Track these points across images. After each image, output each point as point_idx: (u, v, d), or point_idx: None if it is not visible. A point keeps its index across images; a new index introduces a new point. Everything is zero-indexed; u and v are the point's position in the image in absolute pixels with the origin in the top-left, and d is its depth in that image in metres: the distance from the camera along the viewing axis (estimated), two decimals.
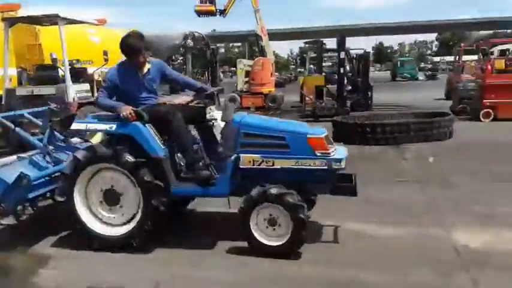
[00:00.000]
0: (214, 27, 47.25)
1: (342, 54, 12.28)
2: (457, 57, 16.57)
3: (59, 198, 3.64)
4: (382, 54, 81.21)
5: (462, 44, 19.19)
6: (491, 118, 10.93)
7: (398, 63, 40.77)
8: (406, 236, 3.74)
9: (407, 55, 73.20)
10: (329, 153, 3.43)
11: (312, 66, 19.93)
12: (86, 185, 3.59)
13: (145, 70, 3.70)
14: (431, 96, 17.05)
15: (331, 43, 18.79)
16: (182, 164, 3.71)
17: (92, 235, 3.55)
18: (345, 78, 12.75)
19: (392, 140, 8.04)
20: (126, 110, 3.46)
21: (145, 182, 3.39)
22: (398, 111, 12.22)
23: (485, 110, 11.05)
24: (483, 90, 11.31)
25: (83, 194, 3.59)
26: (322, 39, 19.82)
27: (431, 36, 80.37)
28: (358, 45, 75.62)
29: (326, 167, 3.41)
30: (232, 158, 3.44)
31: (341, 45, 12.40)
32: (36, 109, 4.97)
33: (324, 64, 18.93)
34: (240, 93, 16.83)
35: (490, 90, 11.08)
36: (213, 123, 3.88)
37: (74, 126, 3.77)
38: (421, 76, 38.70)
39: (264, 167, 3.44)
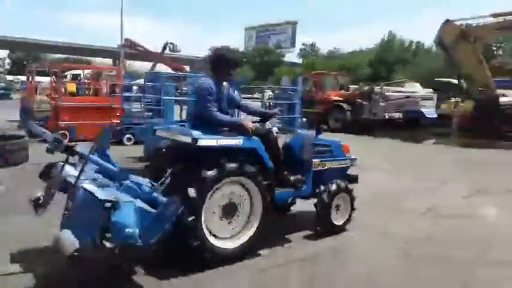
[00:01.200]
0: None
1: None
2: (30, 77, 16.00)
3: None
4: None
5: (34, 65, 18.74)
6: (67, 139, 11.23)
7: None
8: None
9: None
10: (350, 155, 4.78)
11: None
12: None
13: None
14: (3, 118, 15.59)
15: None
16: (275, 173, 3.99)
17: (216, 254, 3.50)
18: None
19: None
20: (251, 124, 3.79)
21: (264, 187, 3.73)
22: None
23: (61, 132, 11.24)
24: (58, 111, 11.49)
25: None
26: None
27: (3, 53, 74.69)
28: None
29: (349, 165, 4.79)
30: (314, 163, 4.37)
31: None
32: None
33: None
34: None
35: (65, 112, 11.41)
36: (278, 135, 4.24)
37: (203, 142, 3.43)
38: None
39: (320, 168, 4.44)
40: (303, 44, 63.39)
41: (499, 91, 14.39)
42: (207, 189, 3.42)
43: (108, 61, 53.10)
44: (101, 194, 2.88)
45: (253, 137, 3.73)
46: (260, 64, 56.99)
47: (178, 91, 10.96)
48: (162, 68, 22.17)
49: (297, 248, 4.14)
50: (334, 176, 4.53)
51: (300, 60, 59.90)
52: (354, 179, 4.84)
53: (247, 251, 3.71)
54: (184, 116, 9.83)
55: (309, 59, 55.95)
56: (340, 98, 17.11)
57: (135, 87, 13.39)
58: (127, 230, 2.70)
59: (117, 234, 2.71)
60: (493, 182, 7.40)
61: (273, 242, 4.12)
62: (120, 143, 11.11)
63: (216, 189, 3.52)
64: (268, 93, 21.96)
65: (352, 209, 4.59)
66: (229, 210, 3.66)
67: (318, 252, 4.05)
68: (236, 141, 3.61)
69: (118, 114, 11.72)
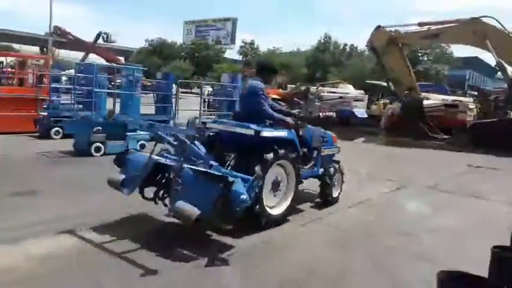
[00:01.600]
0: None
1: None
2: None
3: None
4: None
5: None
6: None
7: None
8: None
9: None
10: (337, 144, 5.97)
11: None
12: None
13: None
14: None
15: None
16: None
17: (270, 219, 4.47)
18: None
19: None
20: (291, 121, 4.92)
21: (298, 170, 4.83)
22: None
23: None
24: None
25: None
26: None
27: None
28: None
29: (337, 151, 5.95)
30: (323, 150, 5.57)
31: None
32: None
33: None
34: None
35: None
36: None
37: (265, 133, 4.36)
38: None
39: (321, 154, 5.52)
40: (243, 42, 63.36)
41: (423, 94, 15.50)
42: (272, 162, 4.41)
43: (35, 49, 49.54)
44: (217, 172, 3.76)
45: (292, 130, 4.81)
46: (199, 59, 56.31)
47: (112, 83, 10.51)
48: (95, 57, 21.13)
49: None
50: (329, 161, 5.73)
51: (240, 57, 60.00)
52: (337, 163, 5.96)
53: (284, 217, 4.73)
54: (118, 109, 9.44)
55: (249, 56, 56.23)
56: (278, 97, 17.41)
57: (64, 78, 12.59)
58: (242, 196, 3.55)
59: (236, 200, 3.54)
60: (416, 178, 7.95)
61: None
62: (47, 136, 10.41)
63: (271, 168, 4.45)
64: (208, 89, 21.73)
65: (342, 185, 5.92)
66: (275, 186, 4.61)
67: (253, 244, 4.10)
68: (283, 133, 4.65)
69: (45, 106, 10.96)
